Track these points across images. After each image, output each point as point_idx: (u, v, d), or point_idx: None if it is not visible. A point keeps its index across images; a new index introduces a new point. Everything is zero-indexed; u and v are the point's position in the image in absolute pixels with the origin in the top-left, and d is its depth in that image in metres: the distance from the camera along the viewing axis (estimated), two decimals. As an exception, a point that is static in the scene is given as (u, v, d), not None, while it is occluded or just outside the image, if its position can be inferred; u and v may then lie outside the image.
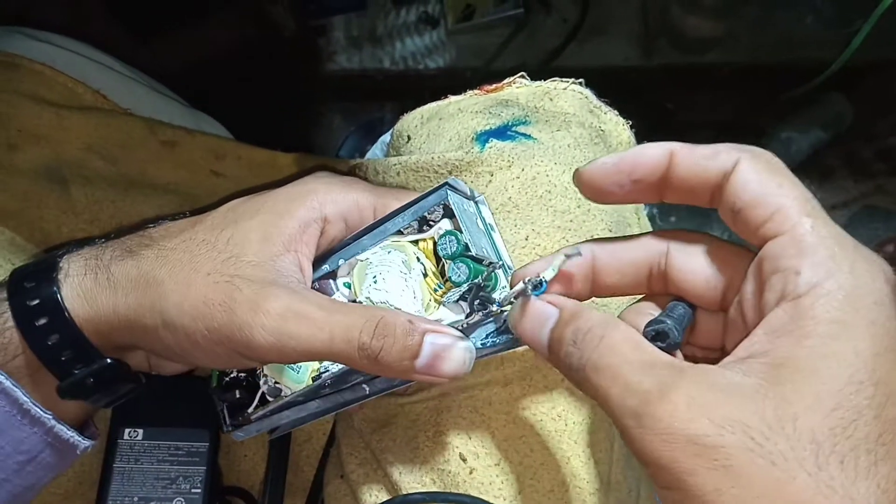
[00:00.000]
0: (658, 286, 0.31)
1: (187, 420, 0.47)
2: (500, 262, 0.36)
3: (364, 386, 0.37)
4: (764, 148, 0.27)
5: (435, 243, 0.35)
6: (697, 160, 0.28)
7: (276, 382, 0.38)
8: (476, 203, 0.37)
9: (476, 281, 0.34)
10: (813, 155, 1.19)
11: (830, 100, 1.16)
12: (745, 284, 0.27)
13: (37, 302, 0.33)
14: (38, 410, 0.33)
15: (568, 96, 0.48)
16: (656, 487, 0.25)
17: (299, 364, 0.37)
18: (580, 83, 0.49)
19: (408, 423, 0.41)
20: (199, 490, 0.46)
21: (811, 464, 0.22)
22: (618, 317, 0.32)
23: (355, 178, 0.37)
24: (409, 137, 0.49)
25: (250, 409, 0.38)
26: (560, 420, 0.40)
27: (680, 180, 0.28)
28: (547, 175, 0.44)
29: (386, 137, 0.54)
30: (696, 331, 0.31)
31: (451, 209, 0.35)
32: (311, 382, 0.37)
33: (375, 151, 0.56)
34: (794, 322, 0.24)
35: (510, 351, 0.37)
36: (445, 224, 0.36)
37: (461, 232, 0.35)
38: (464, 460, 0.39)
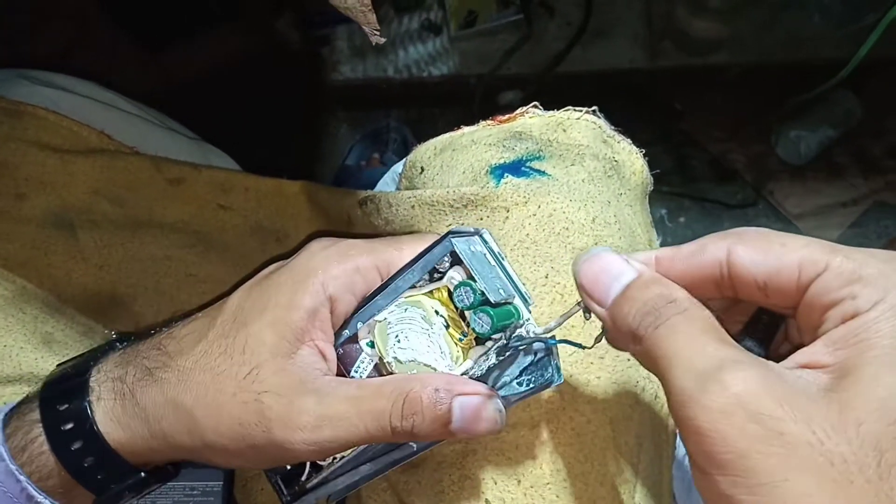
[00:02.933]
0: (729, 292, 0.30)
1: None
2: (514, 296, 0.35)
3: (411, 444, 0.36)
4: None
5: (450, 292, 0.35)
6: (685, 260, 0.28)
7: None
8: (480, 236, 0.37)
9: (501, 342, 0.33)
10: (822, 153, 1.18)
11: (839, 97, 1.15)
12: (801, 327, 0.27)
13: (71, 426, 0.33)
14: None
15: (581, 126, 0.47)
16: (699, 473, 0.24)
17: None
18: (594, 111, 0.48)
19: (434, 466, 0.41)
20: (214, 529, 0.46)
21: (872, 471, 0.21)
22: None
23: (349, 240, 0.36)
24: (422, 169, 0.48)
25: (303, 477, 0.37)
26: (587, 462, 0.40)
27: (676, 280, 0.29)
28: (564, 212, 0.43)
29: (398, 167, 0.53)
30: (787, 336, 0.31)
31: (459, 256, 0.34)
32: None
33: (387, 181, 0.55)
34: (856, 335, 0.24)
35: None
36: (456, 273, 0.35)
37: (474, 280, 0.34)
38: (489, 507, 0.39)
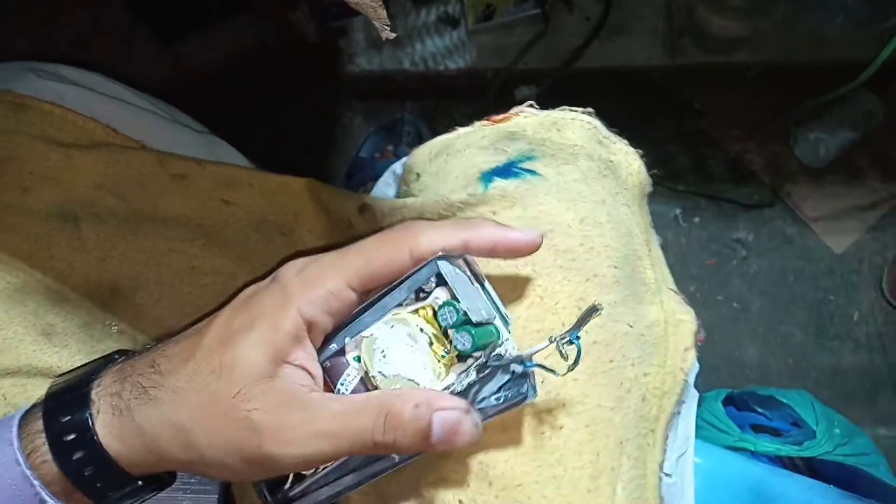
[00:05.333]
0: None
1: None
2: (495, 317, 0.37)
3: (394, 455, 0.38)
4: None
5: (434, 311, 0.37)
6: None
7: None
8: (465, 259, 0.38)
9: (481, 360, 0.35)
10: (842, 155, 1.16)
11: (860, 99, 1.13)
12: None
13: (72, 437, 0.35)
14: None
15: (576, 126, 0.47)
16: None
17: None
18: (589, 112, 0.48)
19: (411, 468, 0.42)
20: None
21: None
22: None
23: (319, 260, 0.37)
24: (418, 175, 0.49)
25: (287, 486, 0.39)
26: (559, 465, 0.40)
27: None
28: (550, 213, 0.43)
29: (397, 167, 0.53)
30: None
31: (444, 278, 0.36)
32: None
33: (387, 180, 0.55)
34: None
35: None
36: (441, 293, 0.37)
37: (458, 301, 0.36)
38: (464, 508, 0.40)
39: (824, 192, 1.19)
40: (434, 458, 0.41)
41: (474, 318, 0.35)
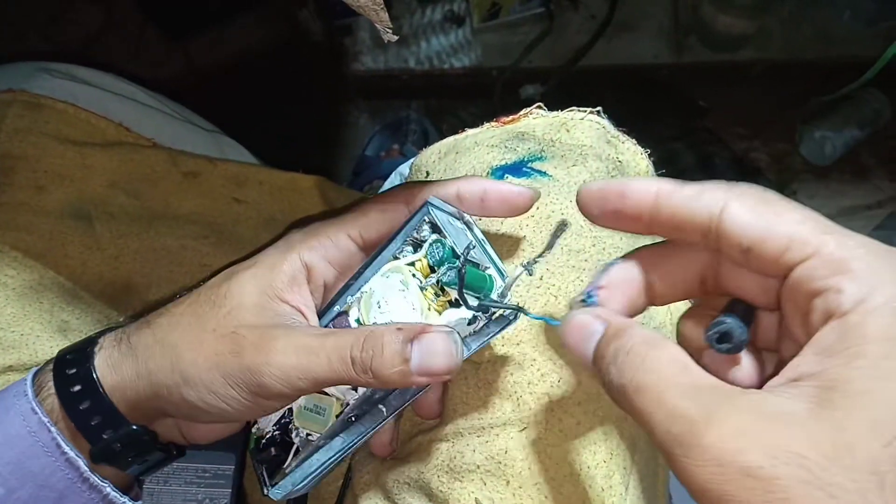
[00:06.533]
0: (713, 288, 0.30)
1: (215, 442, 0.49)
2: (469, 246, 0.37)
3: (380, 407, 0.38)
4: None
5: (430, 263, 0.37)
6: (682, 200, 0.27)
7: (307, 434, 0.40)
8: (465, 222, 0.38)
9: (455, 265, 0.36)
10: (848, 153, 1.16)
11: (867, 97, 1.13)
12: (784, 307, 0.26)
13: (74, 371, 0.36)
14: (97, 479, 0.36)
15: (585, 127, 0.48)
16: None
17: (322, 407, 0.39)
18: (598, 112, 0.49)
19: (423, 467, 0.42)
20: (224, 512, 0.48)
21: (875, 496, 0.20)
22: (678, 322, 0.32)
23: (325, 220, 0.39)
24: (427, 173, 0.49)
25: (286, 465, 0.40)
26: (575, 463, 0.40)
27: (666, 218, 0.28)
28: (562, 213, 0.43)
29: (403, 169, 0.54)
30: (757, 332, 0.30)
31: (437, 224, 0.37)
32: (334, 420, 0.39)
33: (393, 181, 0.56)
34: (842, 342, 0.23)
35: (506, 332, 0.38)
36: (434, 238, 0.38)
37: (445, 238, 0.36)
38: (478, 505, 0.40)
39: (830, 190, 1.19)
40: (447, 457, 0.41)
41: (458, 250, 0.36)
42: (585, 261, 0.43)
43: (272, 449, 0.41)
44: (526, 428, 0.41)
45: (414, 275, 0.37)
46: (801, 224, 0.25)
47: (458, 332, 0.35)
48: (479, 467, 0.40)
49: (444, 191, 0.37)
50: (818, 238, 0.24)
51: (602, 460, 0.40)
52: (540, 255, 0.36)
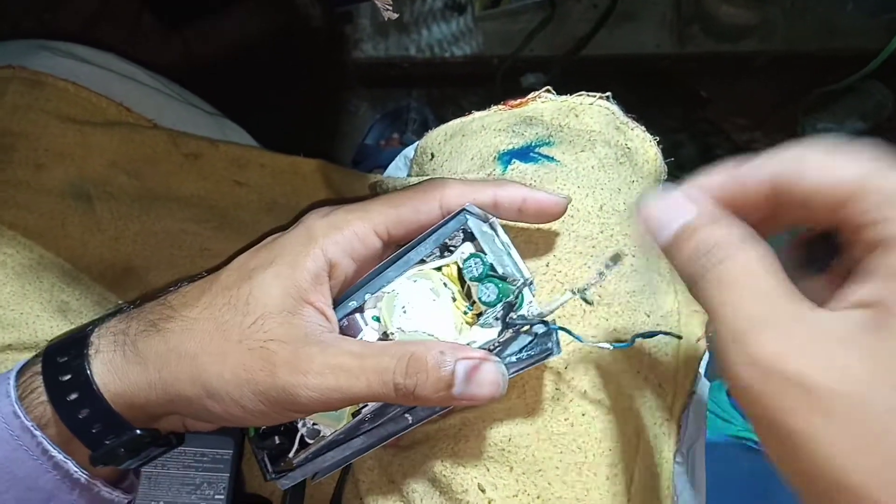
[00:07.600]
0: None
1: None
2: (527, 280, 0.36)
3: (406, 416, 0.37)
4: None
5: (459, 268, 0.36)
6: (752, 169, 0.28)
7: (314, 424, 0.38)
8: (490, 224, 0.37)
9: (508, 300, 0.34)
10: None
11: (870, 89, 1.12)
12: (847, 236, 0.26)
13: (68, 377, 0.34)
14: (87, 478, 0.35)
15: (594, 112, 0.47)
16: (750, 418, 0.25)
17: None
18: (607, 97, 0.48)
19: (427, 452, 0.42)
20: (222, 497, 0.47)
21: None
22: None
23: (346, 206, 0.37)
24: (432, 155, 0.48)
25: (291, 454, 0.38)
26: (580, 452, 0.40)
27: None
28: (570, 199, 0.43)
29: (409, 152, 0.53)
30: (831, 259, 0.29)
31: (471, 233, 0.35)
32: (350, 419, 0.37)
33: (398, 164, 0.55)
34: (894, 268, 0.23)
35: (542, 363, 0.37)
36: (467, 248, 0.36)
37: (484, 254, 0.35)
38: (482, 491, 0.39)
39: (831, 182, 1.18)
40: (450, 441, 0.41)
41: (500, 271, 0.34)
42: (593, 247, 0.43)
43: (276, 437, 0.39)
44: (531, 416, 0.40)
45: (445, 284, 0.36)
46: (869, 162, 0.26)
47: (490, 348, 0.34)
48: (482, 453, 0.40)
49: (481, 197, 0.36)
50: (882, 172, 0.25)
51: (607, 449, 0.40)
52: (591, 283, 0.34)
